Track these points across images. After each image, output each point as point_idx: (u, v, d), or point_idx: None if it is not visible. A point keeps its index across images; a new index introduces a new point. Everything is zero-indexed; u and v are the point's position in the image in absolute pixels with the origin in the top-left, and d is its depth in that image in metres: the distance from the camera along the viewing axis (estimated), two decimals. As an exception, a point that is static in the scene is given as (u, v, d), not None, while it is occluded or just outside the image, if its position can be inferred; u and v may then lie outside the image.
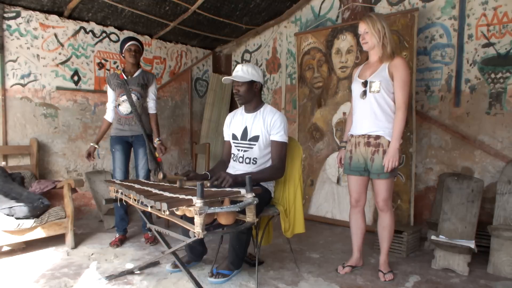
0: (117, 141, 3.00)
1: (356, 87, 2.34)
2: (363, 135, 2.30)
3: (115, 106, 3.03)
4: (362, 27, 2.27)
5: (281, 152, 2.25)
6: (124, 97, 2.95)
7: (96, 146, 3.06)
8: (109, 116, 3.07)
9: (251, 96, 2.32)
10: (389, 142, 2.22)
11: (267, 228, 2.46)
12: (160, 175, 2.28)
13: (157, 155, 2.99)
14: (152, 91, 3.07)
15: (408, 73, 2.21)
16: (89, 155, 3.04)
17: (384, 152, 2.22)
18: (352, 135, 2.40)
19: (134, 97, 2.95)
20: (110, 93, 3.05)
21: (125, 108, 2.97)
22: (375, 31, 2.21)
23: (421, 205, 3.30)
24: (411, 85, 2.81)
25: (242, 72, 2.27)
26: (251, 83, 2.29)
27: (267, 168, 2.25)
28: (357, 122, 2.34)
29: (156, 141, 3.05)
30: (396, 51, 2.32)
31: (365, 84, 2.27)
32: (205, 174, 2.29)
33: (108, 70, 4.01)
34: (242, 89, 2.29)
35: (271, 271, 2.44)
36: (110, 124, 3.10)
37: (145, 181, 2.66)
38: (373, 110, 2.24)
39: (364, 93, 2.26)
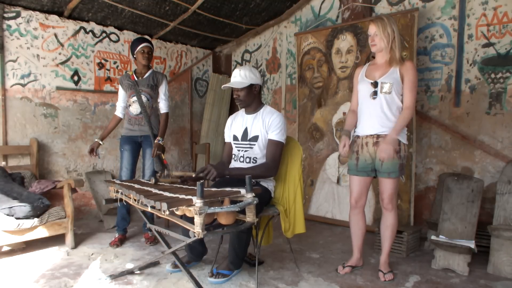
0: (127, 141, 3.04)
1: (365, 88, 2.32)
2: (371, 135, 2.29)
3: (126, 106, 3.07)
4: (372, 29, 2.27)
5: (276, 151, 2.25)
6: (135, 98, 2.99)
7: (100, 142, 3.04)
8: (119, 112, 3.11)
9: (252, 99, 2.34)
10: (399, 141, 2.23)
11: (267, 228, 2.46)
12: (152, 180, 2.29)
13: (163, 157, 2.99)
14: (162, 91, 3.07)
15: (416, 76, 2.26)
16: (92, 151, 2.99)
17: (394, 150, 2.22)
18: (358, 136, 2.38)
19: (144, 98, 2.98)
20: (121, 93, 3.10)
21: (135, 108, 3.00)
22: (385, 35, 2.22)
23: (421, 205, 3.30)
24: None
25: (240, 77, 2.27)
26: (250, 87, 2.30)
27: (258, 165, 2.24)
28: (365, 122, 2.33)
29: (156, 140, 2.97)
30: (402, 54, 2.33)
31: (375, 84, 2.27)
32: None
33: (108, 70, 4.01)
34: (242, 93, 2.30)
35: (271, 271, 2.44)
36: (119, 119, 3.12)
37: (145, 181, 2.66)
38: (383, 110, 2.25)
39: (375, 94, 2.26)
